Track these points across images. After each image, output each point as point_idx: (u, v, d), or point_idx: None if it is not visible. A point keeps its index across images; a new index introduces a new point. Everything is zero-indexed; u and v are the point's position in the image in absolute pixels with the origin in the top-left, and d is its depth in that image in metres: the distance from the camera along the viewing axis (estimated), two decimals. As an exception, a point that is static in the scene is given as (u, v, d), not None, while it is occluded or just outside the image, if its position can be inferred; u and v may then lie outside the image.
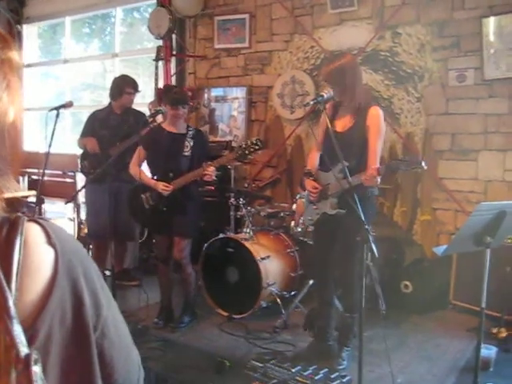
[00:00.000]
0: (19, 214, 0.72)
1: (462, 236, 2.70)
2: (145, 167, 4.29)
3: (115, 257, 5.16)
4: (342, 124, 3.37)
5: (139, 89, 5.03)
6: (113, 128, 4.84)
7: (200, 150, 3.98)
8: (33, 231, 0.71)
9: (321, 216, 3.52)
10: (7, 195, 0.74)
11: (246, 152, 3.76)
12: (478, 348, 2.69)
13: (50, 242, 0.71)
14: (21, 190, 0.76)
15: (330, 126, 3.05)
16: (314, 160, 3.66)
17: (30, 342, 0.65)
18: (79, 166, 5.18)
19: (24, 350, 0.63)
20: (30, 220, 0.72)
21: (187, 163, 3.97)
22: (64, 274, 0.71)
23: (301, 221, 3.79)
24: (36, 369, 0.62)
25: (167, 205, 4.00)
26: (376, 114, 3.34)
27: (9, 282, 0.65)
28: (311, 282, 4.24)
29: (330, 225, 3.48)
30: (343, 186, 3.14)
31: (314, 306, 3.91)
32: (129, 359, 0.85)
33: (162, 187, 3.96)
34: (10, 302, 0.64)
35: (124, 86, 4.85)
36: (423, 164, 2.94)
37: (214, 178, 3.91)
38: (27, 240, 0.69)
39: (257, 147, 3.74)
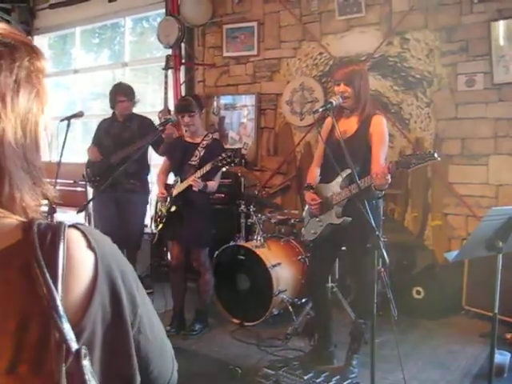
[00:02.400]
0: (60, 220, 0.78)
1: (473, 241, 2.69)
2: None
3: None
4: (344, 131, 3.32)
5: (134, 95, 4.95)
6: (115, 136, 4.84)
7: (210, 160, 3.97)
8: (74, 236, 0.75)
9: (325, 228, 3.47)
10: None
11: (220, 164, 3.80)
12: (491, 354, 2.67)
13: (89, 246, 0.76)
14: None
15: (339, 132, 3.05)
16: (314, 174, 3.63)
17: (77, 338, 0.69)
18: (83, 173, 5.17)
19: (74, 345, 0.67)
20: (70, 226, 0.76)
21: (192, 172, 3.99)
22: (104, 276, 0.75)
23: (303, 232, 3.72)
24: (86, 363, 0.67)
25: (172, 212, 4.08)
26: (379, 122, 3.34)
27: (55, 284, 0.69)
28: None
29: (333, 235, 3.45)
30: (351, 192, 3.15)
31: (313, 316, 3.97)
32: (163, 352, 0.91)
33: (159, 194, 4.15)
34: (59, 302, 0.68)
35: (116, 95, 4.84)
36: (436, 155, 2.88)
37: (199, 188, 3.90)
38: (69, 245, 0.74)
39: (229, 160, 3.77)
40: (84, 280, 0.73)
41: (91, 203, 5.16)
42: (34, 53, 0.80)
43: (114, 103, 4.89)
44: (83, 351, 0.67)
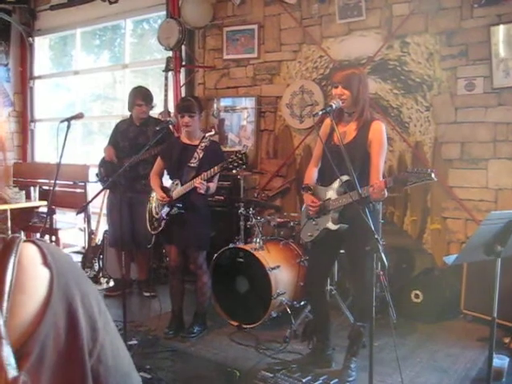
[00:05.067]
0: (16, 235, 0.71)
1: (472, 245, 2.69)
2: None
3: (138, 266, 5.27)
4: (343, 136, 3.29)
5: (152, 100, 5.06)
6: (131, 140, 4.96)
7: (210, 162, 3.96)
8: (28, 252, 0.69)
9: (321, 232, 3.44)
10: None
11: (230, 166, 3.79)
12: (489, 358, 2.67)
13: (45, 262, 0.69)
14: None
15: (339, 137, 3.05)
16: (311, 175, 3.62)
17: (21, 363, 0.63)
18: (96, 172, 5.28)
19: (12, 372, 0.61)
20: (26, 241, 0.71)
21: (192, 174, 3.99)
22: (59, 296, 0.68)
23: (301, 235, 3.71)
24: None
25: (171, 215, 4.06)
26: (379, 129, 3.31)
27: (0, 302, 0.63)
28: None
29: (330, 240, 3.44)
30: (352, 198, 3.11)
31: (311, 319, 3.98)
32: None
33: (159, 197, 4.09)
34: (0, 322, 0.62)
35: (135, 98, 4.94)
36: (433, 176, 2.87)
37: (203, 191, 3.88)
38: (22, 260, 0.67)
39: (240, 162, 3.75)
40: (35, 298, 0.66)
41: (105, 203, 5.24)
42: None
43: (131, 106, 4.99)
44: (22, 379, 0.60)
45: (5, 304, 0.63)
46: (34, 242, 0.71)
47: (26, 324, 0.65)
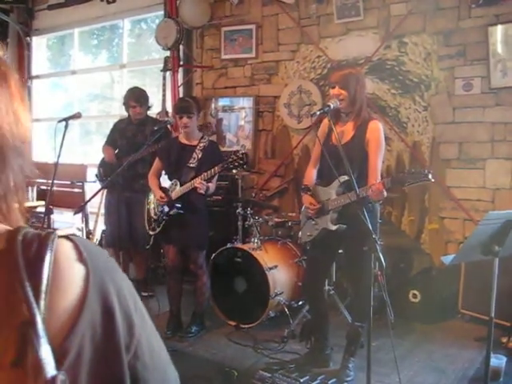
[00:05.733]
0: (50, 230, 0.70)
1: (469, 245, 2.69)
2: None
3: (135, 265, 5.26)
4: (341, 136, 3.29)
5: (147, 100, 5.04)
6: (129, 138, 4.96)
7: (209, 162, 3.95)
8: (64, 248, 0.69)
9: (320, 232, 3.46)
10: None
11: (231, 166, 3.79)
12: (487, 358, 2.68)
13: (81, 258, 0.69)
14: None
15: (337, 137, 3.05)
16: (310, 176, 3.62)
17: (60, 361, 0.63)
18: (96, 172, 5.28)
19: (50, 371, 0.60)
20: (61, 236, 0.70)
21: (192, 174, 3.98)
22: (95, 292, 0.68)
23: (299, 235, 3.73)
24: None
25: (170, 215, 4.05)
26: (376, 128, 3.31)
27: (37, 299, 0.63)
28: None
29: (329, 240, 3.44)
30: (350, 199, 3.11)
31: (309, 319, 3.99)
32: (165, 382, 0.82)
33: (158, 197, 4.07)
34: (39, 320, 0.62)
35: (128, 100, 4.93)
36: (430, 177, 2.88)
37: (203, 191, 3.88)
38: (57, 256, 0.67)
39: (241, 162, 3.75)
40: (71, 295, 0.66)
41: (104, 204, 5.24)
42: None
43: (126, 107, 5.01)
44: (61, 377, 0.60)
45: (42, 302, 0.63)
46: (68, 238, 0.71)
47: (63, 321, 0.65)
